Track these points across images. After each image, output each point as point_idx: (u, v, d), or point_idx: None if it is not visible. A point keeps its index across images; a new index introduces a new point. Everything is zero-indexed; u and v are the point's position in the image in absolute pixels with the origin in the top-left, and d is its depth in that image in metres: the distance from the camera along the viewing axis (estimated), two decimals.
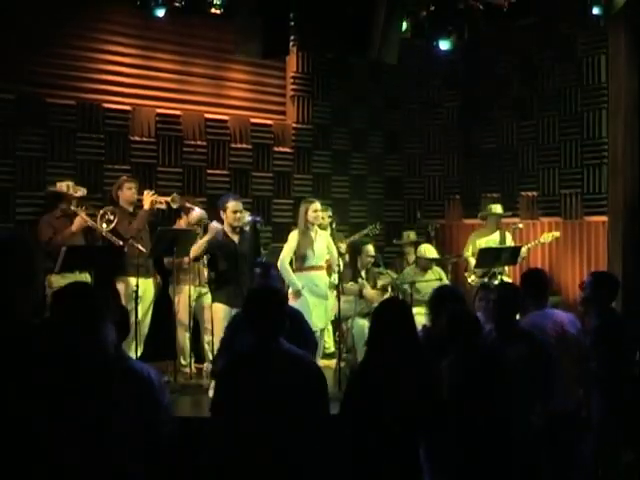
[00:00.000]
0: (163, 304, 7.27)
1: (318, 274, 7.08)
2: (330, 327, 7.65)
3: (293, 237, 7.05)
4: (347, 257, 7.78)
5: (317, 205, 7.08)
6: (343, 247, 7.72)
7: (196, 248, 6.91)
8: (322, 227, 7.34)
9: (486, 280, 7.61)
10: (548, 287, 4.99)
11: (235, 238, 6.88)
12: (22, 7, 7.32)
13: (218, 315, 6.64)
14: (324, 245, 7.11)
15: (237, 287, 6.46)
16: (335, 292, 7.10)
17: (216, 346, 5.62)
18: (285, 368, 3.26)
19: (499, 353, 4.04)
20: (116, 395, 2.75)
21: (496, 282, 7.23)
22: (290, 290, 6.90)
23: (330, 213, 7.86)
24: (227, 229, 6.88)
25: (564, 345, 4.61)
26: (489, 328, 4.44)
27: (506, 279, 7.66)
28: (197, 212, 7.17)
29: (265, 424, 3.18)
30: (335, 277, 7.13)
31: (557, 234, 8.22)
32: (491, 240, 8.24)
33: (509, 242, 8.23)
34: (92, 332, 2.80)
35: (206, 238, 6.86)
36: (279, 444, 3.17)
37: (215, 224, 6.94)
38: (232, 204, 6.92)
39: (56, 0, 7.59)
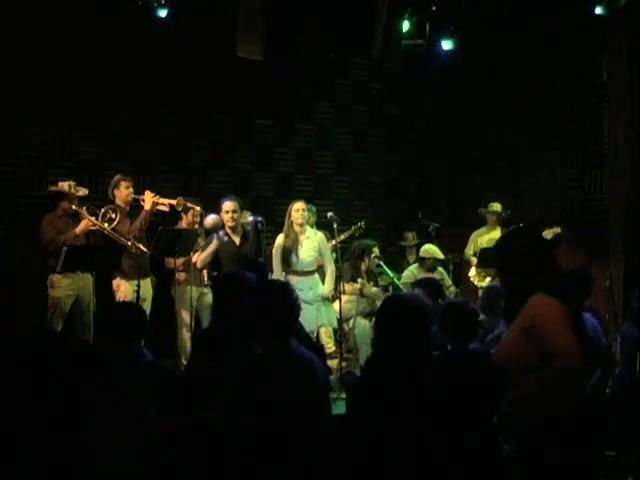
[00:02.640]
0: (164, 304, 7.26)
1: (302, 279, 6.94)
2: (330, 328, 7.62)
3: (277, 244, 7.00)
4: (335, 256, 7.69)
5: (299, 204, 6.99)
6: (331, 248, 7.68)
7: (202, 259, 6.88)
8: (310, 224, 7.31)
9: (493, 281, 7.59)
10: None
11: (237, 239, 6.84)
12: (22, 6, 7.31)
13: None
14: (312, 249, 7.05)
15: None
16: (326, 301, 7.04)
17: None
18: (300, 369, 3.26)
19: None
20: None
21: None
22: None
23: (331, 214, 7.82)
24: (228, 231, 6.84)
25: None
26: None
27: None
28: (212, 217, 6.94)
29: (279, 424, 3.17)
30: (325, 288, 7.05)
31: (558, 230, 8.20)
32: (493, 239, 8.24)
33: None
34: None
35: (211, 248, 6.81)
36: (292, 444, 3.16)
37: (212, 218, 6.85)
38: (225, 205, 6.86)
39: None
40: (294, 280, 6.94)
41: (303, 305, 6.65)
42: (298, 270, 7.00)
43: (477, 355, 4.05)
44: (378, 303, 7.17)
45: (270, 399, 3.21)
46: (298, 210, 6.96)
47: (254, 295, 3.57)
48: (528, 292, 3.06)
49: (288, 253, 6.97)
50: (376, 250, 7.76)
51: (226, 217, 6.81)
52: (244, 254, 6.74)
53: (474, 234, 8.51)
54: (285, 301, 3.40)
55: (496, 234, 8.31)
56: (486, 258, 7.71)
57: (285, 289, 3.56)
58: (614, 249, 8.42)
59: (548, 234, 8.22)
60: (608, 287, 7.96)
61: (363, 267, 7.76)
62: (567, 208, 8.93)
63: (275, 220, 8.36)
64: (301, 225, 6.98)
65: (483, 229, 8.53)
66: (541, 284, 3.06)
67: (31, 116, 7.54)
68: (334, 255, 7.60)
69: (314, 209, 7.87)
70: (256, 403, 3.24)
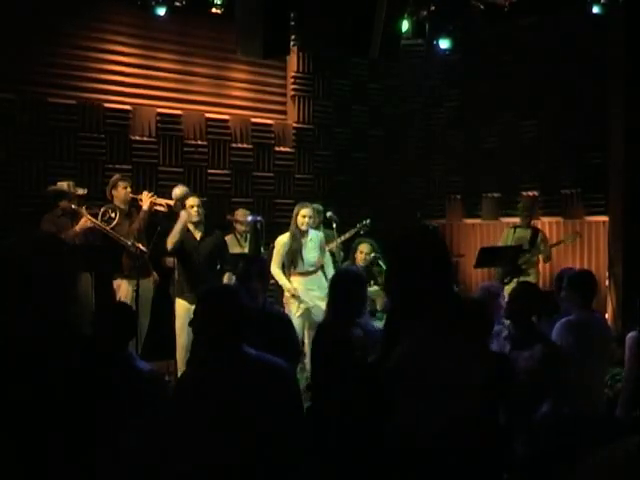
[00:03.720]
0: (163, 303, 7.25)
1: (309, 279, 6.97)
2: None
3: (281, 243, 6.98)
4: (342, 255, 7.72)
5: (305, 211, 6.95)
6: (334, 247, 7.68)
7: (172, 237, 6.66)
8: (316, 225, 7.31)
9: (507, 280, 7.61)
10: (595, 289, 4.94)
11: (197, 235, 6.71)
12: (22, 6, 7.33)
13: (178, 310, 6.65)
14: (315, 250, 7.04)
15: (192, 286, 6.43)
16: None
17: None
18: (249, 374, 3.03)
19: None
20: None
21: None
22: (286, 294, 6.93)
23: (331, 213, 7.82)
24: (190, 226, 6.68)
25: (602, 346, 4.65)
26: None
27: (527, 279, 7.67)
28: (179, 188, 6.88)
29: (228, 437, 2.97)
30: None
31: (578, 236, 8.39)
32: (522, 237, 8.29)
33: (540, 241, 8.29)
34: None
35: (180, 223, 6.63)
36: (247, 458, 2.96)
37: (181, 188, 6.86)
38: (190, 199, 6.73)
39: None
40: (301, 281, 6.96)
41: (316, 302, 6.73)
42: (304, 271, 7.00)
43: None
44: (377, 302, 7.19)
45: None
46: (305, 217, 6.95)
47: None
48: (412, 306, 2.55)
49: (294, 255, 6.96)
50: (364, 247, 7.56)
51: (191, 212, 6.66)
52: (204, 253, 6.67)
53: (506, 230, 8.55)
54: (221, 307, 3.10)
55: (526, 233, 8.34)
56: (485, 258, 7.70)
57: (223, 295, 3.25)
58: (614, 249, 8.42)
59: (571, 239, 8.35)
60: (608, 287, 7.99)
61: (358, 264, 7.76)
62: (567, 208, 8.93)
63: (272, 220, 8.38)
64: (307, 230, 7.00)
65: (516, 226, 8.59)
66: (430, 304, 2.51)
67: (30, 116, 7.55)
68: (339, 254, 7.62)
69: (320, 208, 7.84)
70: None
